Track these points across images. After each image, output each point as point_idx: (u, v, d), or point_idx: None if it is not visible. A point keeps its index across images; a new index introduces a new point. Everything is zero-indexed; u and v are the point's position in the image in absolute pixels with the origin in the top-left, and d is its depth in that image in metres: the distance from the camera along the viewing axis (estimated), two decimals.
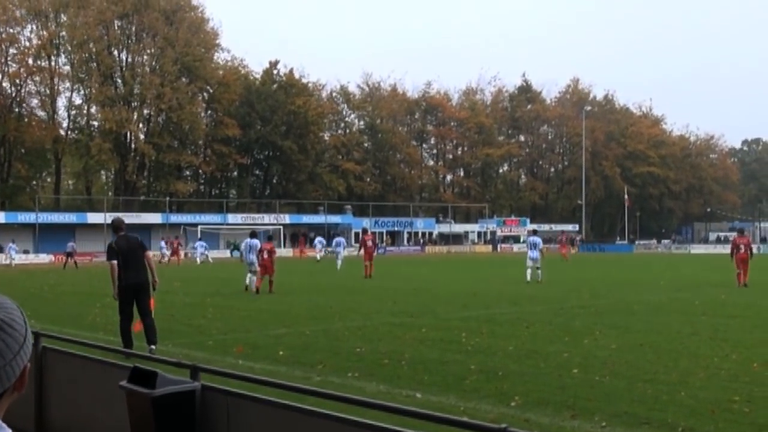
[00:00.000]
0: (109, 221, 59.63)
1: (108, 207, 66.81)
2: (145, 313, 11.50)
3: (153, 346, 11.22)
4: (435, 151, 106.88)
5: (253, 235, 25.81)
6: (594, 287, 25.18)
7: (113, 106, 70.76)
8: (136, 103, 74.67)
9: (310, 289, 23.94)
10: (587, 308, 17.90)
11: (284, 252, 62.45)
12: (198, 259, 52.62)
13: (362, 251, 33.02)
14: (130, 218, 51.75)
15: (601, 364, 9.94)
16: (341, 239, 42.12)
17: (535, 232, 30.81)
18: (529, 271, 27.79)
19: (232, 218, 71.94)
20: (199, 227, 64.41)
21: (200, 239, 57.54)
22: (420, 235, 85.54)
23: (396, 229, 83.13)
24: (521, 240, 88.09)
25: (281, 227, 68.69)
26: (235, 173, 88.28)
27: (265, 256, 24.23)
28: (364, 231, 37.18)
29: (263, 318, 16.30)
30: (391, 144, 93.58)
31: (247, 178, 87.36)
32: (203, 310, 17.68)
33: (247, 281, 24.25)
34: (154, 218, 66.85)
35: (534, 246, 28.12)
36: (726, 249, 74.92)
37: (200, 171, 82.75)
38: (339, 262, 38.31)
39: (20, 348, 1.58)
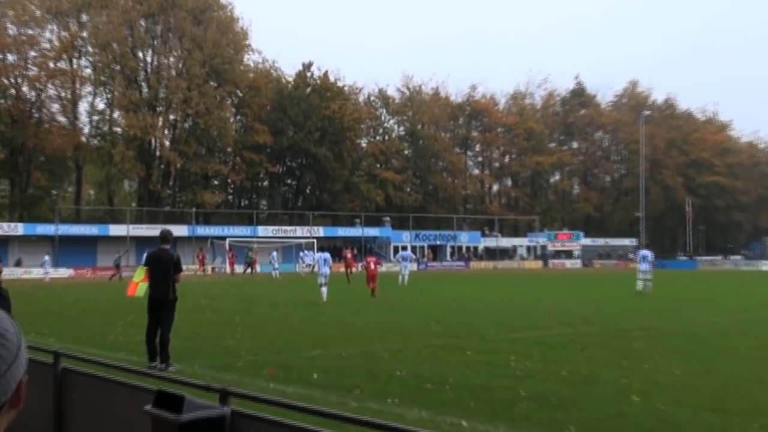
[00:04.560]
0: (131, 233, 60.95)
1: (131, 218, 67.53)
2: (162, 328, 12.20)
3: (163, 365, 11.86)
4: (480, 159, 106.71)
5: (323, 248, 28.82)
6: (654, 307, 24.86)
7: (137, 111, 71.61)
8: (161, 108, 75.53)
9: (345, 308, 23.98)
10: (647, 330, 17.69)
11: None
12: (274, 273, 53.37)
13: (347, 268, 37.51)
14: (154, 230, 52.36)
15: (663, 391, 9.81)
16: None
17: (647, 246, 34.03)
18: (639, 282, 31.44)
19: (263, 231, 72.34)
20: (227, 240, 64.87)
21: (276, 251, 58.26)
22: (464, 249, 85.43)
23: (438, 243, 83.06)
24: (574, 255, 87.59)
25: (314, 240, 68.84)
26: (266, 183, 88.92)
27: (372, 266, 28.44)
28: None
29: (296, 338, 16.33)
30: (433, 151, 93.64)
31: (279, 188, 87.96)
32: (232, 330, 17.76)
33: (323, 298, 26.03)
34: (179, 230, 67.10)
35: (644, 259, 31.72)
36: None
37: (229, 180, 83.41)
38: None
39: (14, 359, 1.57)
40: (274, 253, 56.58)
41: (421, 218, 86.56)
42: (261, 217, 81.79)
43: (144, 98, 74.31)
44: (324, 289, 26.23)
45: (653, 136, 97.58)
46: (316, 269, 27.41)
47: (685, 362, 12.53)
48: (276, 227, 75.11)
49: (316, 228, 75.70)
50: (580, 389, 10.10)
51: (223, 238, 66.54)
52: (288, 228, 75.22)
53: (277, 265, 54.55)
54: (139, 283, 13.28)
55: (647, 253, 32.57)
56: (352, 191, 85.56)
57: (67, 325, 19.17)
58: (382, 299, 28.80)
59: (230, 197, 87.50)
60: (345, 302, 26.75)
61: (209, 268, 62.55)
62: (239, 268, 59.21)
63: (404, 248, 59.87)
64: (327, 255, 27.37)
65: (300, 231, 73.49)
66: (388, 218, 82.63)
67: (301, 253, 56.58)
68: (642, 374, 11.27)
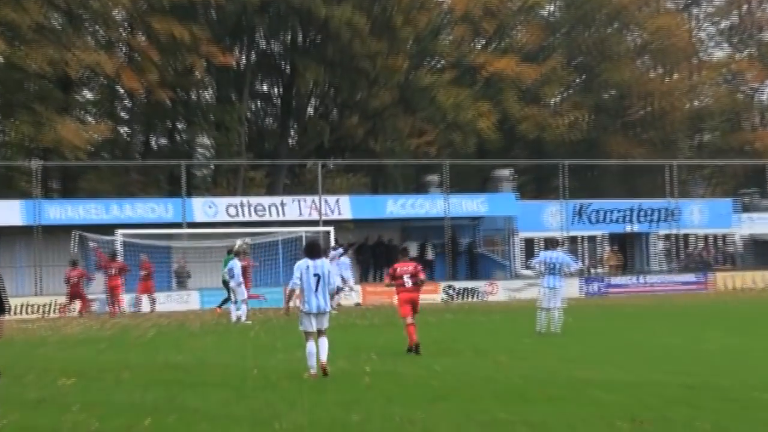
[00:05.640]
0: None
1: None
2: None
3: None
4: (726, 23, 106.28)
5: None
6: None
7: None
8: None
9: (398, 384, 23.59)
10: None
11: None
12: (235, 315, 53.65)
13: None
14: None
15: None
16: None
17: None
18: None
19: (204, 211, 72.42)
20: (120, 234, 64.61)
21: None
22: (697, 242, 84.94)
23: (632, 228, 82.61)
24: None
25: (331, 229, 68.33)
26: (210, 94, 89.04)
27: (408, 282, 30.73)
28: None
29: None
30: (610, 11, 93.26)
31: (241, 106, 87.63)
32: None
33: (324, 357, 26.20)
34: (5, 213, 67.17)
35: None
36: None
37: (120, 90, 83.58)
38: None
39: None
40: (234, 265, 55.74)
41: (586, 170, 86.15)
42: (199, 177, 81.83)
43: None
44: (310, 344, 26.21)
45: None
46: (305, 308, 26.56)
47: None
48: (237, 199, 75.06)
49: (333, 200, 75.64)
50: None
51: (111, 227, 66.26)
52: (265, 200, 75.40)
53: (243, 292, 53.86)
54: None
55: None
56: (419, 107, 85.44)
57: None
58: (501, 364, 28.71)
59: (124, 131, 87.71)
60: (394, 371, 26.63)
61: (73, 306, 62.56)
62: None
63: (551, 244, 58.28)
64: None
65: (293, 209, 73.18)
66: (508, 172, 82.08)
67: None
68: None
